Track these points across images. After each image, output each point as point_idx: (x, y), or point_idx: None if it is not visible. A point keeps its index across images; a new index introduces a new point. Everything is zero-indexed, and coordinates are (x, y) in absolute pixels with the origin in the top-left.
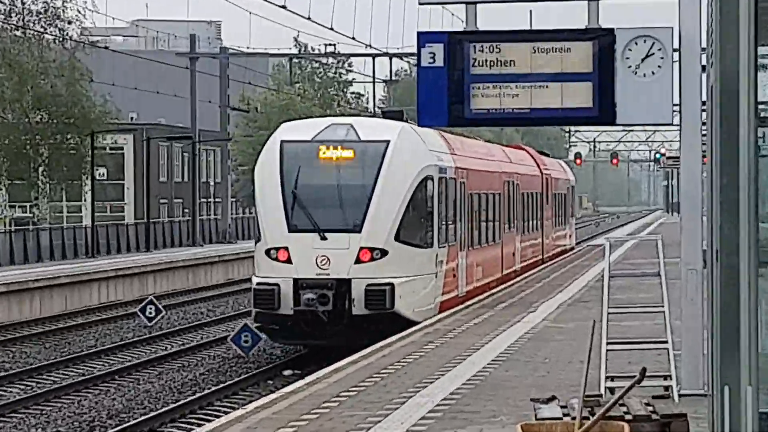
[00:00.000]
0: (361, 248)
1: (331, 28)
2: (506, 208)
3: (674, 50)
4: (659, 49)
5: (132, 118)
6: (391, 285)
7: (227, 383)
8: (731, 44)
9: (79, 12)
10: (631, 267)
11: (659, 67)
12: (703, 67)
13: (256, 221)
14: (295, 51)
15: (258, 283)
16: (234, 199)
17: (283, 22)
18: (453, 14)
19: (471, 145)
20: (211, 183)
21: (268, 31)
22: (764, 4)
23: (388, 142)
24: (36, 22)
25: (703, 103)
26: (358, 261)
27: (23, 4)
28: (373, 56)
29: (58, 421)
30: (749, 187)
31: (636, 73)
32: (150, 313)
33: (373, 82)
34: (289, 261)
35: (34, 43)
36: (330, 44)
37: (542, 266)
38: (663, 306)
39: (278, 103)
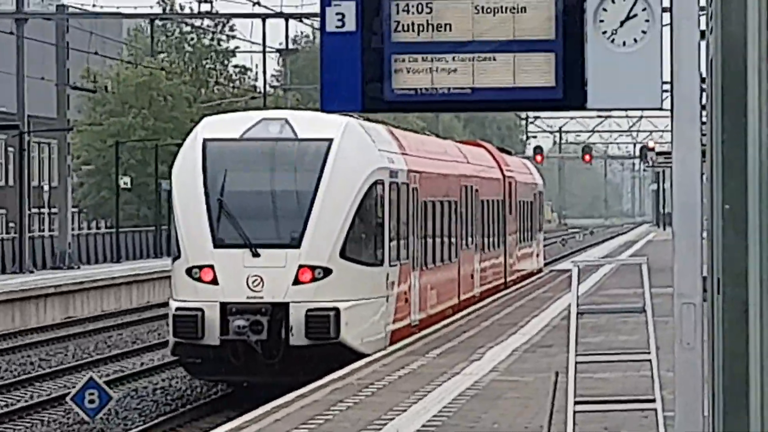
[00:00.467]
0: (301, 266)
1: None
2: (464, 219)
3: (663, 10)
4: (644, 9)
5: None
6: (336, 310)
7: None
8: (737, 2)
9: None
10: (608, 300)
11: (644, 32)
12: (702, 33)
13: (175, 235)
14: (158, 10)
15: (177, 308)
16: (77, 210)
17: None
18: None
19: (423, 143)
20: (45, 188)
21: None
22: None
23: (330, 140)
24: None
25: (703, 81)
26: (296, 282)
27: None
28: (264, 17)
29: None
30: (761, 195)
31: (613, 40)
32: None
33: (264, 52)
34: (214, 282)
35: None
36: (205, 1)
37: (505, 291)
38: (650, 352)
39: (136, 80)
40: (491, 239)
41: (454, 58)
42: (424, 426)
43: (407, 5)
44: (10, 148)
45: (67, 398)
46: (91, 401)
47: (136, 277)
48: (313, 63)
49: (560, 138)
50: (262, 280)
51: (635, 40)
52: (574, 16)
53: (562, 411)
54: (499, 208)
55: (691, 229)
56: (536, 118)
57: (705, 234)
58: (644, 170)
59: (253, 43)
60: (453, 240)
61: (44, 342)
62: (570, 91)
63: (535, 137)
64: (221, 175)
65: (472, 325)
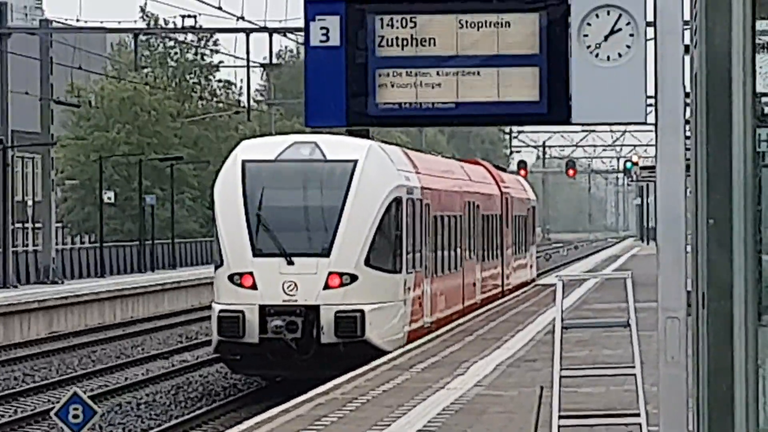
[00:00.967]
0: (330, 273)
1: None
2: (467, 232)
3: (648, 24)
4: (628, 24)
5: None
6: (362, 312)
7: None
8: (721, 17)
9: None
10: (593, 314)
11: (628, 47)
12: (687, 48)
13: (217, 245)
14: (142, 25)
15: (221, 311)
16: (60, 225)
17: None
18: None
19: (432, 162)
20: (29, 203)
21: None
22: None
23: (355, 161)
24: None
25: (687, 96)
26: (326, 287)
27: None
28: (247, 32)
29: None
30: (745, 209)
31: (597, 55)
32: None
33: (248, 67)
34: (254, 287)
35: None
36: (189, 15)
37: (502, 300)
38: (634, 366)
39: (120, 95)
40: (490, 251)
41: (438, 73)
42: None
43: (391, 20)
44: None
45: (51, 413)
46: (75, 416)
47: (120, 292)
48: (298, 78)
49: (544, 152)
50: (296, 285)
51: (619, 55)
52: (559, 31)
53: (546, 425)
54: (498, 222)
55: (676, 243)
56: (520, 132)
57: (689, 248)
58: (629, 184)
59: (237, 57)
60: (458, 251)
61: (28, 357)
62: (554, 106)
63: (518, 152)
64: (259, 193)
65: (456, 340)
